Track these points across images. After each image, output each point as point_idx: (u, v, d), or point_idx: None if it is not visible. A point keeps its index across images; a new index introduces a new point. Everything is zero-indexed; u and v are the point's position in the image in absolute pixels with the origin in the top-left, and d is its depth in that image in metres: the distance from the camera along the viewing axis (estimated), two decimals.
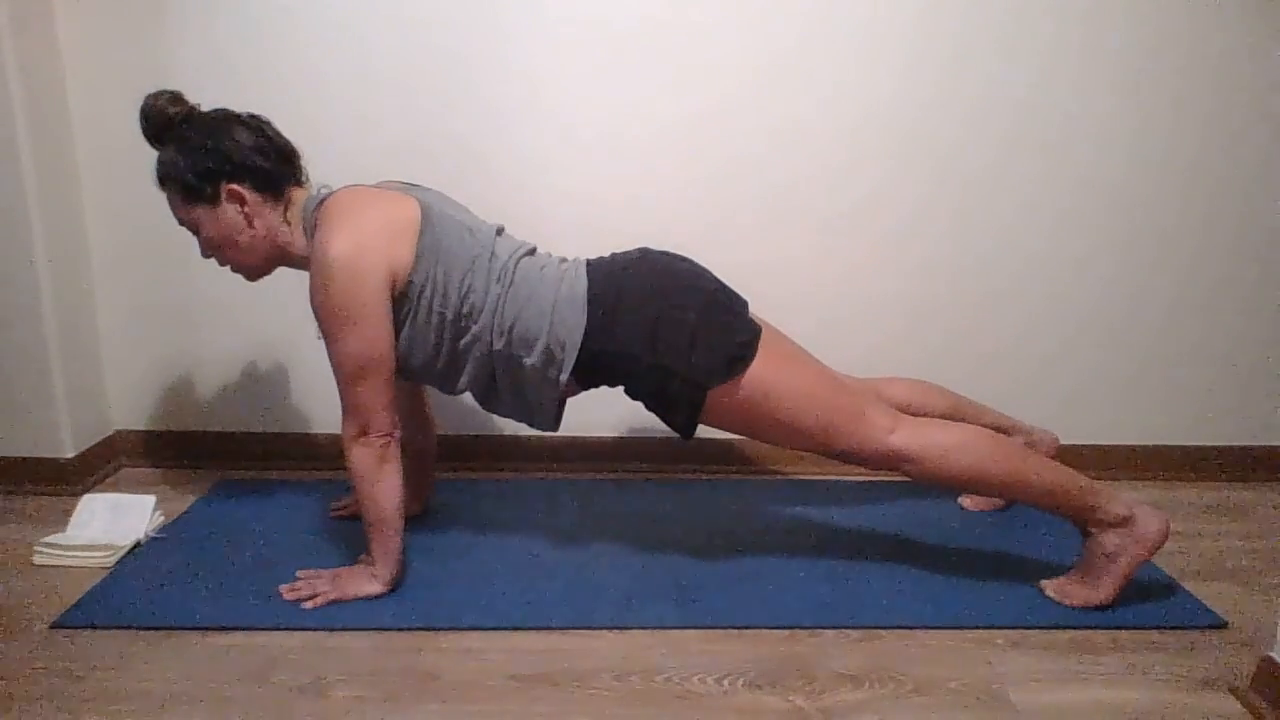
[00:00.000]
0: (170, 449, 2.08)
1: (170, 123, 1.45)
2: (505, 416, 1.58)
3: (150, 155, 1.95)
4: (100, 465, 2.00)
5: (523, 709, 1.23)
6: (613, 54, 1.86)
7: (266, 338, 2.03)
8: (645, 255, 1.54)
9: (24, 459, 1.89)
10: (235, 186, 1.44)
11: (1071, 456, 1.95)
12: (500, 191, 1.91)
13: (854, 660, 1.35)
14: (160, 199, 1.87)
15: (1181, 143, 1.91)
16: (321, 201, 1.47)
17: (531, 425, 1.56)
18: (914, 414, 1.64)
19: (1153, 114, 1.90)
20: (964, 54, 1.86)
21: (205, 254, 1.52)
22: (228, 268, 1.53)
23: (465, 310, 1.45)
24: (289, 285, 1.99)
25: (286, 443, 2.07)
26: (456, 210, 1.53)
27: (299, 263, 1.52)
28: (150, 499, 1.73)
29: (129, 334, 2.02)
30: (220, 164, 1.43)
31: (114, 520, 1.67)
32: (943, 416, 1.68)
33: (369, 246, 1.39)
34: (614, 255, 1.55)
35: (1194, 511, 1.90)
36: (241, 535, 1.70)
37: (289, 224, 1.49)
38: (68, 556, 1.59)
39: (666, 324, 1.43)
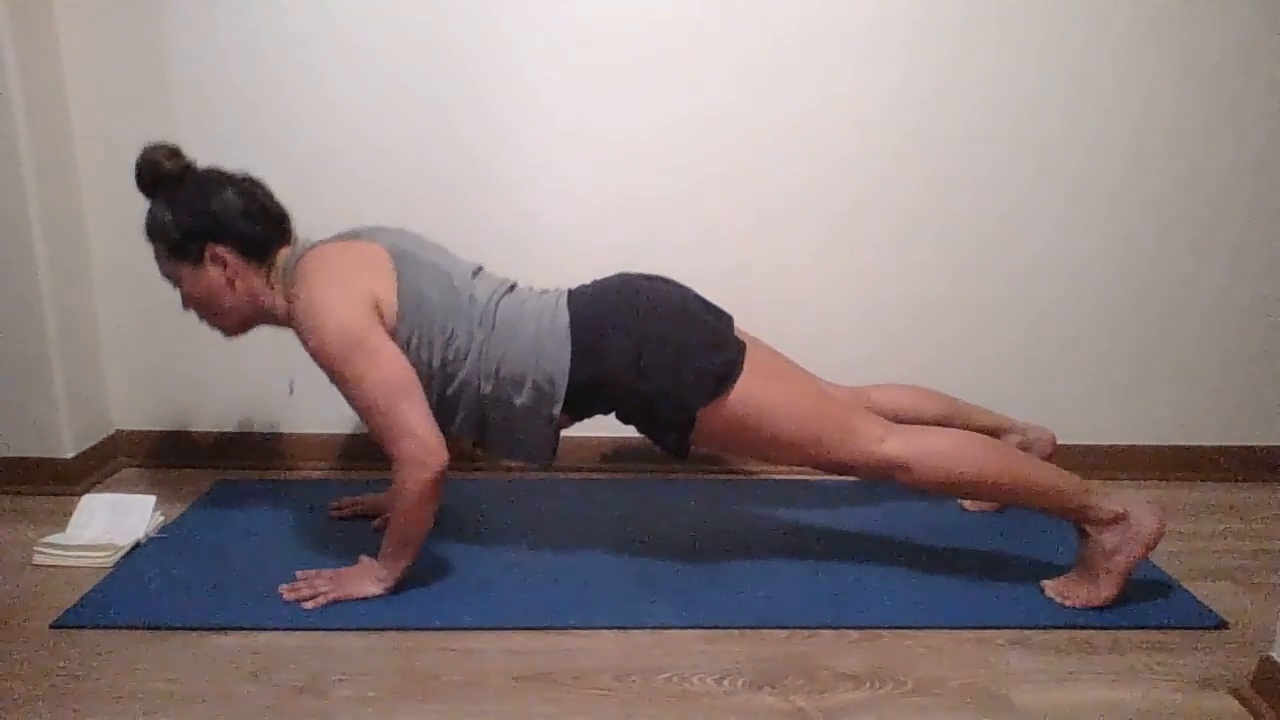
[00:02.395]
0: (170, 449, 2.08)
1: (164, 177, 1.47)
2: (500, 457, 1.57)
3: None
4: (100, 465, 2.00)
5: (523, 709, 1.23)
6: (611, 56, 1.86)
7: (266, 338, 2.02)
8: (625, 280, 1.54)
9: (24, 459, 1.89)
10: (219, 249, 1.46)
11: (1072, 456, 1.95)
12: (498, 195, 1.91)
13: (854, 660, 1.35)
14: None
15: (1181, 142, 1.91)
16: (299, 259, 1.47)
17: (527, 461, 1.56)
18: (907, 420, 1.65)
19: (1152, 112, 1.89)
20: (964, 53, 1.86)
21: (185, 308, 1.54)
22: (205, 324, 1.56)
23: (450, 357, 1.45)
24: None
25: (286, 443, 2.07)
26: (431, 253, 1.52)
27: (280, 321, 1.52)
28: (150, 499, 1.73)
29: (129, 334, 2.02)
30: (206, 225, 1.45)
31: (114, 520, 1.67)
32: (936, 420, 1.69)
33: (350, 279, 1.41)
34: (595, 282, 1.56)
35: (1194, 511, 1.89)
36: (241, 535, 1.70)
37: (272, 286, 1.50)
38: (68, 556, 1.59)
39: (650, 348, 1.43)
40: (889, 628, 1.43)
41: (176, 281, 1.51)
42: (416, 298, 1.44)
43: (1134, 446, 2.07)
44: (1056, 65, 1.86)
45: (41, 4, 1.79)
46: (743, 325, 2.01)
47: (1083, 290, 1.99)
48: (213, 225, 1.45)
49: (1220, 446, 2.07)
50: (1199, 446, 2.07)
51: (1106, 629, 1.42)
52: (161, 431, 2.08)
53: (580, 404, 1.50)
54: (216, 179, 1.48)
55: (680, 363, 1.43)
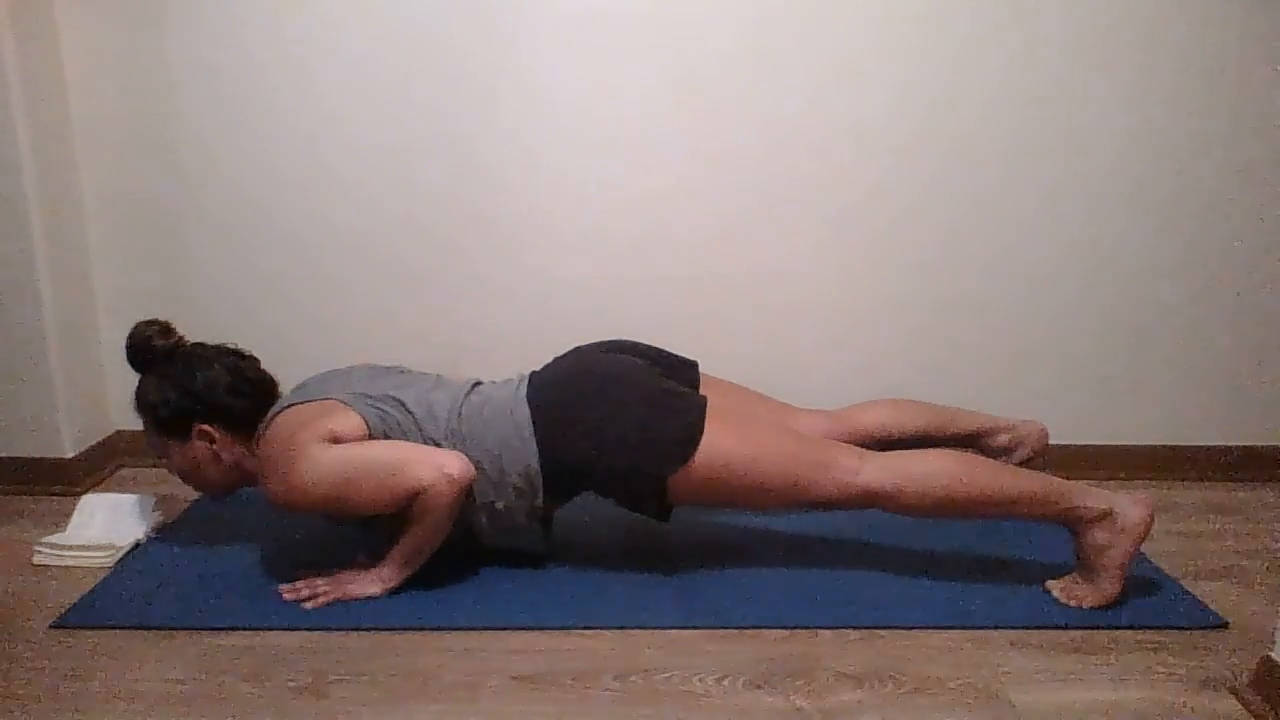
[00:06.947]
0: None
1: (155, 355, 1.52)
2: (496, 548, 1.57)
3: (150, 156, 1.95)
4: (100, 465, 2.00)
5: (523, 709, 1.23)
6: (611, 51, 1.85)
7: (267, 338, 2.02)
8: (580, 360, 1.57)
9: (24, 459, 1.89)
10: (206, 427, 1.51)
11: (1072, 457, 1.96)
12: (495, 191, 1.91)
13: (854, 660, 1.35)
14: (160, 199, 1.87)
15: (1182, 140, 1.89)
16: (265, 427, 1.48)
17: (524, 550, 1.57)
18: (892, 435, 1.66)
19: (1150, 110, 1.87)
20: (978, 46, 1.84)
21: (173, 472, 1.59)
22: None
23: None
24: (288, 285, 1.99)
25: None
26: (384, 384, 1.54)
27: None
28: (150, 499, 1.73)
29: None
30: (193, 405, 1.50)
31: (114, 520, 1.67)
32: (921, 431, 1.69)
33: (308, 429, 1.41)
34: (553, 362, 1.59)
35: (1194, 511, 1.89)
36: (241, 535, 1.69)
37: (254, 453, 1.51)
38: (68, 556, 1.59)
39: (611, 427, 1.45)
40: (889, 628, 1.42)
41: (164, 453, 1.56)
42: (382, 424, 1.46)
43: (1132, 447, 2.06)
44: (1073, 62, 1.84)
45: (41, 4, 1.79)
46: (748, 329, 2.01)
47: (1086, 293, 1.98)
48: (199, 404, 1.51)
49: (1220, 446, 2.06)
50: (1199, 446, 2.06)
51: (1106, 629, 1.42)
52: None
53: (561, 489, 1.52)
54: (204, 356, 1.54)
55: (642, 437, 1.45)
